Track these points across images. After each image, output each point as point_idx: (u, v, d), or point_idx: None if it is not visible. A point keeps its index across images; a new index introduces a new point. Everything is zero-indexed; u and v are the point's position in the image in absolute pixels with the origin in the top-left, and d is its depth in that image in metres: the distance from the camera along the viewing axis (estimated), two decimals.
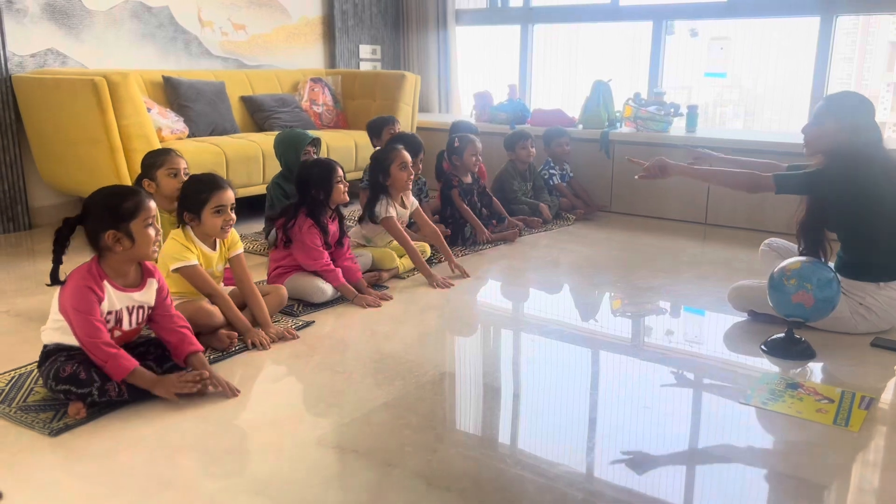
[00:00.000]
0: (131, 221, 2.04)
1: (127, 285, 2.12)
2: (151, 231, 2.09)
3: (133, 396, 2.06)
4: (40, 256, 3.71)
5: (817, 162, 2.77)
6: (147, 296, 2.16)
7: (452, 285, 3.27)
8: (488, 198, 4.21)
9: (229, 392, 2.15)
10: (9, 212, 4.10)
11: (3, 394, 2.15)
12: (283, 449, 1.89)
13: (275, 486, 1.73)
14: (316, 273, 2.99)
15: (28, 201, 4.19)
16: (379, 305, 3.00)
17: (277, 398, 2.22)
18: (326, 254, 2.99)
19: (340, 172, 3.04)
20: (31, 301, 2.99)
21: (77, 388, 2.00)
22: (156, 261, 2.22)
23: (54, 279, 2.05)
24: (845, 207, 2.66)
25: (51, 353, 2.08)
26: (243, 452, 1.89)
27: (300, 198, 3.04)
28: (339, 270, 3.01)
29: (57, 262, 2.04)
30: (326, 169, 3.02)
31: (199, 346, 2.24)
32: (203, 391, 2.14)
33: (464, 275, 3.40)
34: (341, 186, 3.04)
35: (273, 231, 3.78)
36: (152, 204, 2.11)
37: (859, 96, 2.77)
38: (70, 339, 2.07)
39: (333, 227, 3.07)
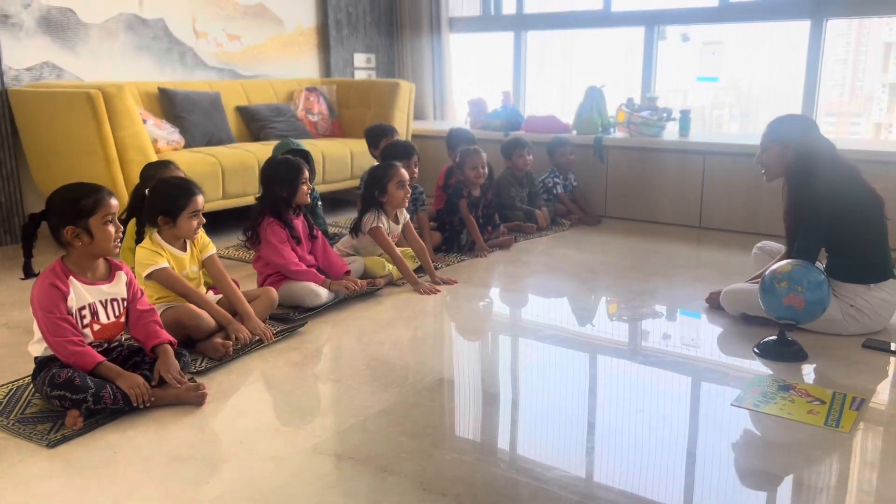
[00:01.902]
0: (90, 217, 2.08)
1: (95, 279, 2.16)
2: (111, 228, 2.12)
3: (128, 405, 2.08)
4: (38, 268, 3.71)
5: (783, 187, 2.87)
6: (117, 288, 2.20)
7: (438, 291, 3.30)
8: (493, 211, 4.21)
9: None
10: (6, 224, 4.11)
11: (1, 406, 2.16)
12: (280, 457, 1.90)
13: (272, 493, 1.74)
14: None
15: (25, 213, 4.20)
16: (348, 290, 3.05)
17: (274, 406, 2.23)
18: (293, 253, 3.01)
19: (306, 174, 3.09)
20: (28, 313, 2.96)
21: (72, 394, 2.01)
22: (116, 256, 2.25)
23: (27, 272, 2.13)
24: (827, 221, 2.71)
25: (44, 364, 2.10)
26: (240, 461, 1.90)
27: (263, 195, 3.08)
28: (312, 270, 3.03)
29: (27, 255, 2.13)
30: (293, 169, 3.07)
31: (166, 338, 2.25)
32: (200, 402, 2.16)
33: (449, 282, 3.41)
34: (305, 188, 3.09)
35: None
36: (113, 201, 2.14)
37: (797, 117, 2.93)
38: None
39: (298, 222, 3.10)
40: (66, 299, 2.07)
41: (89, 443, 1.97)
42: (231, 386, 2.34)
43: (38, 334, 2.11)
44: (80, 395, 2.01)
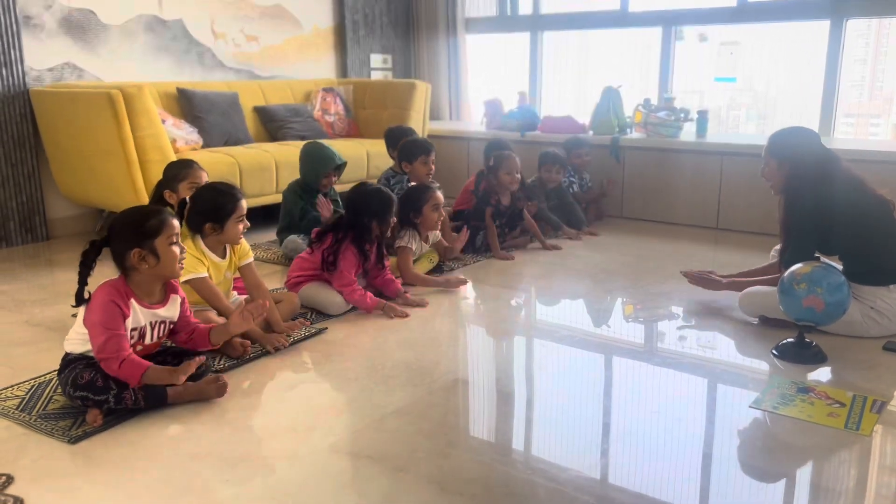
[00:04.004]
0: (156, 239, 2.08)
1: (152, 303, 2.15)
2: (176, 249, 2.12)
3: (148, 404, 2.10)
4: (58, 267, 3.77)
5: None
6: (171, 311, 2.21)
7: (465, 281, 3.36)
8: (518, 217, 4.14)
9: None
10: (27, 223, 4.16)
11: (24, 402, 2.19)
12: (297, 455, 1.91)
13: (289, 492, 1.75)
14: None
15: (46, 213, 4.25)
16: (405, 316, 2.97)
17: (291, 405, 2.24)
18: (357, 284, 2.98)
19: (396, 206, 3.07)
20: (49, 311, 3.04)
21: (94, 395, 2.04)
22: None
23: (79, 300, 2.06)
24: (832, 230, 2.72)
25: (71, 362, 2.13)
26: (258, 459, 1.91)
27: (350, 221, 3.00)
28: (368, 296, 2.98)
29: (82, 283, 2.06)
30: (387, 202, 3.01)
31: (206, 329, 2.30)
32: (220, 393, 2.20)
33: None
34: (394, 220, 3.07)
35: (286, 241, 3.83)
36: (175, 222, 2.15)
37: (796, 130, 2.88)
38: (91, 353, 2.10)
39: (373, 254, 3.06)
40: (125, 319, 2.07)
41: (110, 439, 1.99)
42: (249, 385, 2.35)
43: (80, 335, 2.10)
44: (102, 396, 2.04)
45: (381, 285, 3.14)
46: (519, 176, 3.99)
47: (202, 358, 2.18)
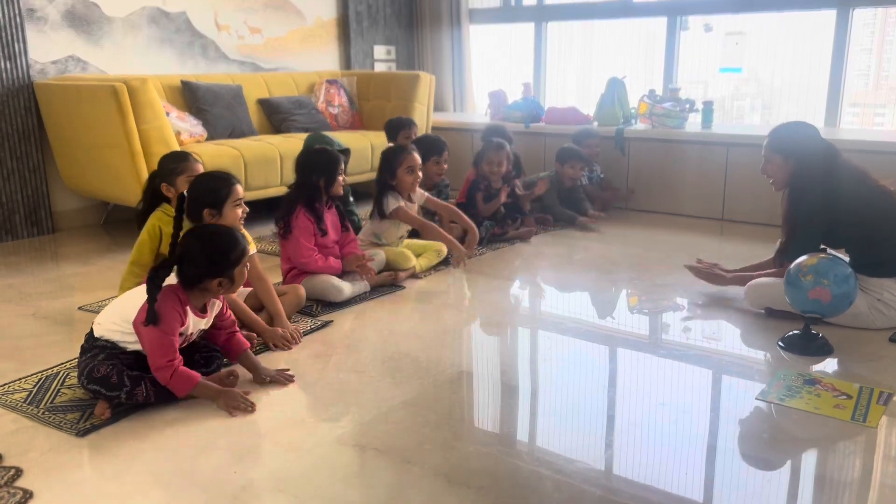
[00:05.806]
0: (236, 267, 2.13)
1: (200, 311, 2.18)
2: (245, 270, 2.18)
3: (159, 400, 2.10)
4: (64, 260, 3.78)
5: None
6: (210, 320, 2.24)
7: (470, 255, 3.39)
8: (517, 205, 4.20)
9: (283, 381, 2.29)
10: (32, 216, 4.17)
11: (31, 395, 2.20)
12: (304, 447, 1.92)
13: (296, 483, 1.76)
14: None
15: (51, 206, 4.26)
16: (368, 273, 3.05)
17: (297, 397, 2.25)
18: (313, 249, 3.00)
19: (343, 165, 3.12)
20: (55, 304, 3.05)
21: (106, 391, 2.05)
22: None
23: (152, 319, 2.03)
24: (838, 222, 2.72)
25: (95, 347, 2.12)
26: (265, 451, 1.92)
27: (298, 183, 3.08)
28: (330, 259, 3.04)
29: (153, 301, 2.04)
30: (332, 159, 3.08)
31: (247, 344, 2.32)
32: (231, 386, 2.23)
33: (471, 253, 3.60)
34: (342, 178, 3.11)
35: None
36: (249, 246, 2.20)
37: (797, 124, 2.90)
38: (125, 344, 2.11)
39: (329, 215, 3.10)
40: (182, 326, 2.10)
41: (118, 432, 2.00)
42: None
43: (117, 325, 2.11)
44: (114, 392, 2.05)
45: (346, 253, 3.15)
46: (501, 168, 4.03)
47: (235, 372, 2.25)
